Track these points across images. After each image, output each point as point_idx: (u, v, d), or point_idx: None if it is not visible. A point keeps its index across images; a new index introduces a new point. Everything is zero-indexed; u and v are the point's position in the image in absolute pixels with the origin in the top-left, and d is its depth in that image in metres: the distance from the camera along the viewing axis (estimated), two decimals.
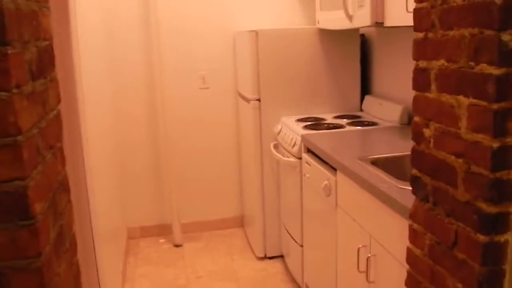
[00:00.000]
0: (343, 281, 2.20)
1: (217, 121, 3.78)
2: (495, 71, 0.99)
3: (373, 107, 3.06)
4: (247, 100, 3.27)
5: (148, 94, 3.64)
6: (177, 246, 3.71)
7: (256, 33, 3.09)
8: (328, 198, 2.28)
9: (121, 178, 3.62)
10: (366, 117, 3.04)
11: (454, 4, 1.09)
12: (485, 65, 1.01)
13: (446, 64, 1.15)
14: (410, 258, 1.39)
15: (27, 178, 0.83)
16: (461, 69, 1.09)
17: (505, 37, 0.97)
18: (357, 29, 3.12)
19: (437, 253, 1.25)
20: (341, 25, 2.65)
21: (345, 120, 2.99)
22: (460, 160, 1.12)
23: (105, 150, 2.79)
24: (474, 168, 1.08)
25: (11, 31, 0.79)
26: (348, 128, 2.78)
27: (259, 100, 3.18)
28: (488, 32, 0.99)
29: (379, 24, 2.29)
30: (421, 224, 1.32)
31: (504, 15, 0.96)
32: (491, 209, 1.06)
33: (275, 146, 3.12)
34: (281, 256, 3.37)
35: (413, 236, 1.37)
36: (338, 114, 3.19)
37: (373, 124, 2.82)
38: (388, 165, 2.02)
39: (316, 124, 2.91)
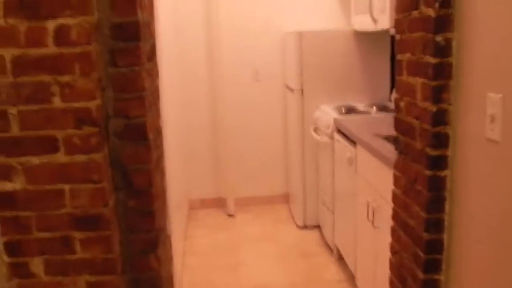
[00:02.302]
0: (360, 234, 2.75)
1: (267, 108, 4.39)
2: (432, 60, 1.53)
3: None
4: (292, 90, 3.86)
5: (209, 84, 4.31)
6: (230, 216, 4.35)
7: (301, 34, 3.68)
8: (351, 167, 2.83)
9: (184, 156, 4.30)
10: (393, 106, 3.54)
11: (413, 16, 1.64)
12: (428, 56, 1.56)
13: (410, 56, 1.70)
14: (393, 197, 1.94)
15: (146, 116, 1.46)
16: (417, 59, 1.64)
17: (438, 38, 1.51)
18: (387, 30, 3.63)
19: (407, 189, 1.80)
20: (368, 27, 3.19)
21: (374, 108, 3.51)
22: (417, 121, 1.67)
23: (173, 131, 3.45)
24: (423, 126, 1.62)
25: (142, 34, 1.43)
26: (374, 114, 3.32)
27: (302, 90, 3.76)
28: (429, 34, 1.54)
29: None
30: (400, 170, 1.87)
31: (436, 23, 1.50)
32: (434, 152, 1.60)
33: (315, 130, 3.69)
34: (318, 227, 3.93)
35: (396, 181, 1.92)
36: (370, 103, 3.71)
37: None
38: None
39: (348, 110, 3.46)
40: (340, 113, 3.39)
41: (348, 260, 3.05)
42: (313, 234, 3.86)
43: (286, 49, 4.14)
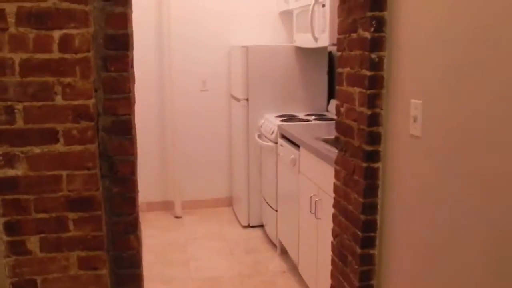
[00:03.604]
0: (302, 227, 3.08)
1: (213, 116, 4.67)
2: (368, 73, 1.89)
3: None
4: (238, 100, 4.17)
5: (159, 92, 4.53)
6: (177, 217, 4.57)
7: (247, 48, 4.00)
8: (294, 168, 3.17)
9: None
10: (329, 115, 3.94)
11: (353, 37, 2.00)
12: (364, 70, 1.91)
13: (349, 70, 2.05)
14: (335, 188, 2.28)
15: (131, 114, 1.71)
16: (355, 73, 2.00)
17: (373, 55, 1.87)
18: (324, 48, 4.04)
19: (346, 180, 2.14)
20: (310, 44, 3.57)
21: (313, 117, 3.90)
22: (355, 123, 2.02)
23: None
24: (361, 126, 1.98)
25: (130, 44, 1.68)
26: (314, 122, 3.69)
27: (247, 100, 4.08)
28: (365, 53, 1.90)
29: (335, 45, 3.20)
30: (340, 165, 2.22)
31: (372, 44, 1.87)
32: (369, 148, 1.95)
33: (259, 136, 4.01)
34: (262, 226, 4.24)
35: (336, 174, 2.27)
36: (309, 113, 4.10)
37: (333, 119, 3.72)
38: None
39: (290, 118, 3.82)
40: (282, 120, 3.73)
41: (292, 253, 3.38)
42: (257, 233, 4.16)
43: (232, 61, 4.45)
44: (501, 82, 1.29)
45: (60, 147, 1.60)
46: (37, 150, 1.59)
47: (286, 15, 4.45)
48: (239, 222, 4.38)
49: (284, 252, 3.64)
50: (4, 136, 1.57)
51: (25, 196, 1.61)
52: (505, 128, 1.29)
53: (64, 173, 1.62)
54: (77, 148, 1.61)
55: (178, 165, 4.63)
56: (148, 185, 4.67)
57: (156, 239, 4.02)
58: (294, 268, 3.36)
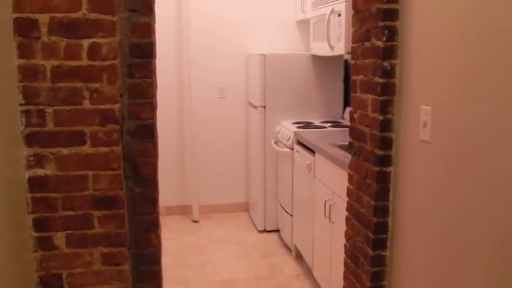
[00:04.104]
0: (317, 231, 3.15)
1: (230, 123, 4.77)
2: (380, 80, 1.96)
3: None
4: (255, 107, 4.26)
5: (178, 99, 4.65)
6: (195, 221, 4.67)
7: (264, 56, 4.10)
8: (309, 173, 3.24)
9: None
10: (345, 122, 4.00)
11: (366, 46, 2.07)
12: (377, 77, 1.99)
13: (363, 78, 2.13)
14: (348, 192, 2.35)
15: (154, 119, 1.80)
16: (368, 80, 2.07)
17: (385, 63, 1.95)
18: (340, 56, 4.11)
19: (359, 184, 2.21)
20: (326, 52, 3.64)
21: (329, 124, 3.96)
22: (368, 129, 2.09)
23: None
24: (373, 132, 2.05)
25: (153, 52, 1.78)
26: (329, 128, 3.76)
27: (264, 107, 4.17)
28: (378, 61, 1.97)
29: (350, 53, 3.27)
30: (353, 169, 2.29)
31: (384, 52, 1.94)
32: (381, 153, 2.02)
33: (275, 142, 4.09)
34: (277, 231, 4.31)
35: (350, 178, 2.33)
36: (324, 120, 4.16)
37: (348, 126, 3.78)
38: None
39: (306, 125, 3.89)
40: (298, 127, 3.81)
41: (306, 256, 3.44)
42: (273, 237, 4.23)
43: (250, 69, 4.55)
44: (508, 89, 1.36)
45: (87, 148, 1.70)
46: (65, 151, 1.69)
47: (303, 24, 4.54)
48: (255, 226, 4.45)
49: (299, 256, 3.70)
50: (35, 138, 1.68)
51: (53, 195, 1.72)
52: (509, 133, 1.35)
53: (90, 173, 1.72)
54: (103, 149, 1.71)
55: (196, 171, 4.73)
56: (166, 189, 4.73)
57: (173, 242, 4.12)
58: (308, 272, 3.42)
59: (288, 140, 3.75)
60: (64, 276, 1.77)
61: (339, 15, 3.30)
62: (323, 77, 4.18)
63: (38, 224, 1.74)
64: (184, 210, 4.83)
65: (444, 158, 1.67)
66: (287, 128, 3.88)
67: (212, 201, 4.86)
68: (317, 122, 4.06)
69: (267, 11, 4.63)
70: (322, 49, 3.74)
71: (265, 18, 4.63)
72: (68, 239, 1.76)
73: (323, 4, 3.66)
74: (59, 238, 1.75)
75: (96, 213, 1.75)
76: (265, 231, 4.35)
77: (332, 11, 3.42)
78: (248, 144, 4.78)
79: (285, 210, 3.95)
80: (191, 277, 3.48)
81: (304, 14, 4.26)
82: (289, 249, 3.90)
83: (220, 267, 3.66)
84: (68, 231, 1.75)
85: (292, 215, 3.77)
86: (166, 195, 4.74)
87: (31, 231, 1.74)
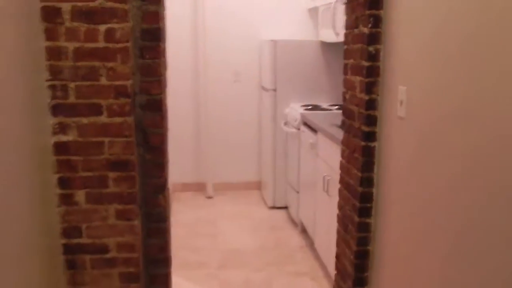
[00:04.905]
0: (318, 205, 3.38)
1: (244, 105, 5.03)
2: (366, 63, 2.18)
3: None
4: (267, 90, 4.50)
5: (194, 81, 4.92)
6: (209, 198, 4.95)
7: (275, 42, 4.32)
8: (312, 151, 3.47)
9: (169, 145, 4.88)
10: None
11: (355, 32, 2.29)
12: (363, 61, 2.20)
13: (352, 61, 2.34)
14: (340, 166, 2.58)
15: (162, 94, 2.07)
16: (357, 63, 2.28)
17: (370, 48, 2.16)
18: None
19: (349, 158, 2.44)
20: (332, 39, 3.85)
21: (336, 106, 4.17)
22: (356, 108, 2.31)
23: None
24: (360, 110, 2.27)
25: (161, 36, 2.04)
26: (335, 111, 3.98)
27: (275, 90, 4.40)
28: (364, 46, 2.18)
29: None
30: (344, 145, 2.51)
31: (369, 38, 2.15)
32: (366, 129, 2.24)
33: (285, 123, 4.32)
34: (286, 208, 4.56)
35: (342, 153, 2.56)
36: (332, 103, 4.38)
37: None
38: None
39: (313, 108, 4.11)
40: (306, 109, 4.03)
41: (309, 230, 3.68)
42: (281, 213, 4.49)
43: (262, 54, 4.78)
44: (471, 71, 1.57)
45: (103, 118, 1.97)
46: (85, 120, 1.97)
47: (314, 12, 4.74)
48: (265, 203, 4.72)
49: (304, 231, 3.95)
50: (59, 109, 1.96)
51: (75, 157, 2.00)
52: (473, 109, 1.56)
53: (106, 139, 1.99)
54: (117, 120, 1.98)
55: (211, 150, 5.01)
56: (183, 167, 5.07)
57: (188, 215, 4.41)
58: (311, 244, 3.67)
59: (295, 121, 3.99)
60: (83, 228, 2.06)
61: (344, 3, 3.49)
62: (331, 62, 4.38)
63: (62, 183, 2.02)
64: (199, 187, 5.12)
65: (417, 132, 1.89)
66: (296, 110, 4.11)
67: (226, 179, 5.13)
68: (324, 105, 4.28)
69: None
70: (328, 35, 3.94)
71: (279, 6, 4.85)
72: (87, 196, 2.04)
73: None
74: (79, 195, 2.03)
75: (111, 174, 2.03)
76: (274, 207, 4.60)
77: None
78: (260, 126, 5.02)
79: (292, 187, 4.19)
80: (202, 246, 3.77)
81: (314, 2, 4.46)
82: (296, 224, 4.15)
83: (230, 238, 3.94)
84: (87, 190, 2.03)
85: (298, 192, 4.01)
86: (183, 172, 5.07)
87: (55, 189, 2.02)
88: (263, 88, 4.75)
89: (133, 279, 2.14)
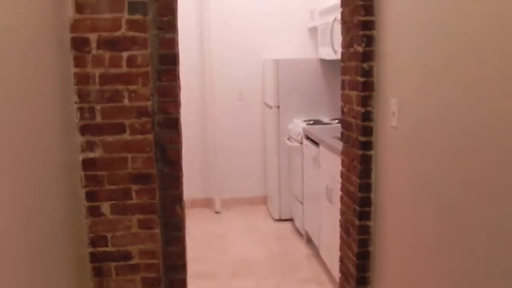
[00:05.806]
0: (322, 214, 3.58)
1: (249, 122, 5.25)
2: (361, 79, 2.40)
3: None
4: (270, 107, 4.73)
5: (200, 101, 5.15)
6: (217, 213, 5.15)
7: (278, 61, 4.56)
8: (315, 163, 3.68)
9: None
10: None
11: (350, 51, 2.52)
12: (358, 77, 2.42)
13: (349, 78, 2.57)
14: (341, 174, 2.78)
15: (178, 113, 2.29)
16: (353, 79, 2.51)
17: (364, 65, 2.38)
18: None
19: (348, 166, 2.64)
20: (330, 56, 4.08)
21: (336, 120, 4.39)
22: (354, 120, 2.53)
23: None
24: (357, 122, 2.48)
25: (177, 61, 2.27)
26: (335, 125, 4.19)
27: (278, 107, 4.63)
28: (359, 63, 2.41)
29: None
30: (344, 155, 2.72)
31: (363, 56, 2.37)
32: (363, 139, 2.45)
33: (288, 138, 4.54)
34: (291, 220, 4.75)
35: (342, 162, 2.77)
36: (333, 117, 4.60)
37: None
38: None
39: (315, 122, 4.34)
40: (308, 124, 4.26)
41: (314, 239, 3.87)
42: (287, 225, 4.68)
43: (265, 73, 5.02)
44: (456, 83, 1.78)
45: (126, 136, 2.19)
46: (110, 138, 2.18)
47: (313, 31, 4.99)
48: (271, 216, 4.91)
49: (309, 241, 4.14)
50: (87, 128, 2.17)
51: (101, 172, 2.21)
52: (457, 117, 1.77)
53: (129, 155, 2.21)
54: (139, 137, 2.20)
55: (218, 167, 5.22)
56: (192, 184, 5.25)
57: (198, 230, 4.60)
58: (317, 253, 3.85)
59: (298, 135, 4.20)
60: (109, 237, 2.26)
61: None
62: (330, 79, 4.62)
63: (89, 196, 2.23)
64: (207, 203, 5.31)
65: (407, 139, 2.10)
66: (298, 125, 4.33)
67: (233, 194, 5.33)
68: (325, 120, 4.50)
69: (282, 20, 5.10)
70: (327, 53, 4.18)
71: (280, 26, 5.11)
72: (112, 208, 2.24)
73: (328, 13, 4.10)
74: (105, 207, 2.24)
75: (134, 187, 2.23)
76: (280, 219, 4.79)
77: (335, 19, 3.85)
78: (265, 142, 5.24)
79: (297, 199, 4.39)
80: (213, 257, 3.96)
81: (313, 22, 4.71)
82: (301, 235, 4.34)
83: (239, 250, 4.13)
84: (112, 202, 2.24)
85: (302, 203, 4.20)
86: (192, 189, 5.25)
87: (83, 202, 2.23)
88: (267, 105, 4.98)
89: (155, 283, 2.34)
